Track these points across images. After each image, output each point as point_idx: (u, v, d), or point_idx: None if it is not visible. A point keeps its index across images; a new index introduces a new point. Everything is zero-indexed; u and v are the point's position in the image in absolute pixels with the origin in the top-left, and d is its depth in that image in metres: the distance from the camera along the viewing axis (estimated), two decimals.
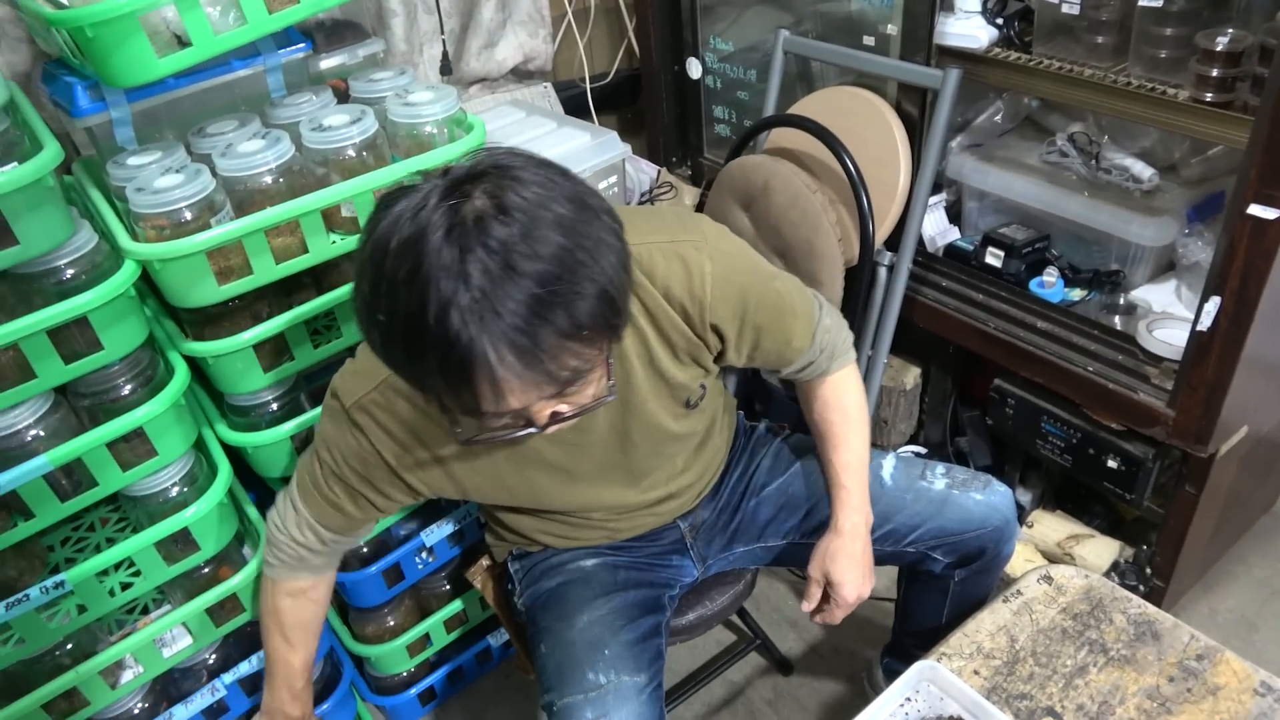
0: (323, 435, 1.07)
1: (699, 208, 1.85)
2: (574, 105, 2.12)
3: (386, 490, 1.08)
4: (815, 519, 1.29)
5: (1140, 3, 1.31)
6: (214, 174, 1.11)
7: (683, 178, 2.14)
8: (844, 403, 1.23)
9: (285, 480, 1.36)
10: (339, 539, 1.15)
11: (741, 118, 2.02)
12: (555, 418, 0.83)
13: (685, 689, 1.67)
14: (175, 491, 1.17)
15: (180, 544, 1.19)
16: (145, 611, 1.30)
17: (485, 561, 1.38)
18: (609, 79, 2.19)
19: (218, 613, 1.28)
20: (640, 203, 2.14)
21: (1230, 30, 1.24)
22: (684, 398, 1.11)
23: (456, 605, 1.58)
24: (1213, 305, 1.28)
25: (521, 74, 2.07)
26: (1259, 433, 1.55)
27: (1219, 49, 1.23)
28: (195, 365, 1.20)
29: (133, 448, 1.11)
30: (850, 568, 1.18)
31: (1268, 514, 1.97)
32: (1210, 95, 1.26)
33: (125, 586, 1.20)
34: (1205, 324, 1.29)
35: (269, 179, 1.12)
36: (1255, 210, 1.18)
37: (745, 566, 1.38)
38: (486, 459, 1.07)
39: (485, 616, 1.66)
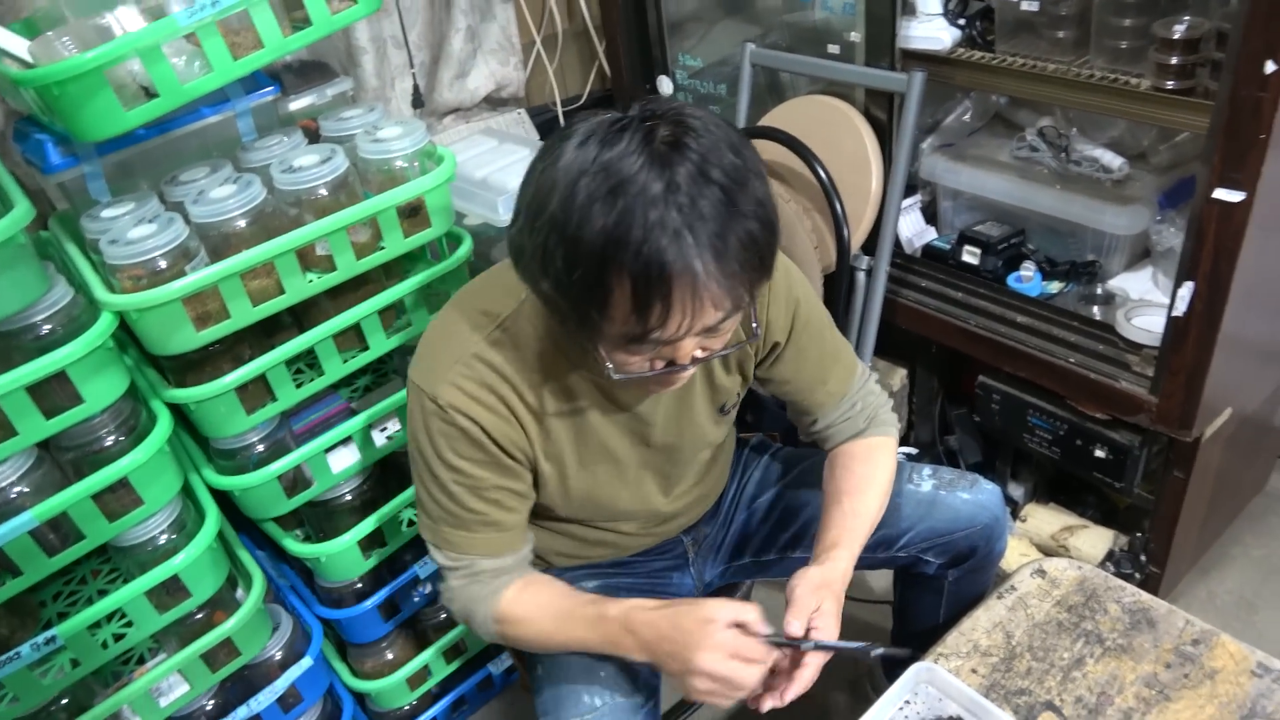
0: (436, 453, 0.97)
1: None
2: (549, 129, 2.13)
3: (511, 466, 1.00)
4: (810, 531, 1.29)
5: None
6: (187, 221, 1.12)
7: None
8: (874, 463, 1.15)
9: (276, 520, 1.36)
10: (514, 557, 1.05)
11: None
12: (693, 361, 0.86)
13: (684, 707, 1.66)
14: (164, 539, 1.17)
15: (171, 591, 1.18)
16: (140, 661, 1.29)
17: None
18: (582, 101, 2.20)
19: (213, 658, 1.27)
20: None
21: (1187, 18, 1.25)
22: (721, 402, 1.13)
23: (455, 634, 1.57)
24: (1187, 290, 1.28)
25: (495, 101, 2.08)
26: (1243, 414, 1.56)
27: (1176, 37, 1.24)
28: (179, 411, 1.20)
29: (119, 498, 1.11)
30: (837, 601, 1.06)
31: (1261, 494, 1.97)
32: (1171, 83, 1.27)
33: (118, 638, 1.19)
34: (1181, 309, 1.30)
35: (242, 223, 1.13)
36: (1221, 194, 1.19)
37: (740, 580, 1.38)
38: (559, 445, 1.03)
39: (485, 644, 1.66)
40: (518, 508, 1.04)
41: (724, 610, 0.93)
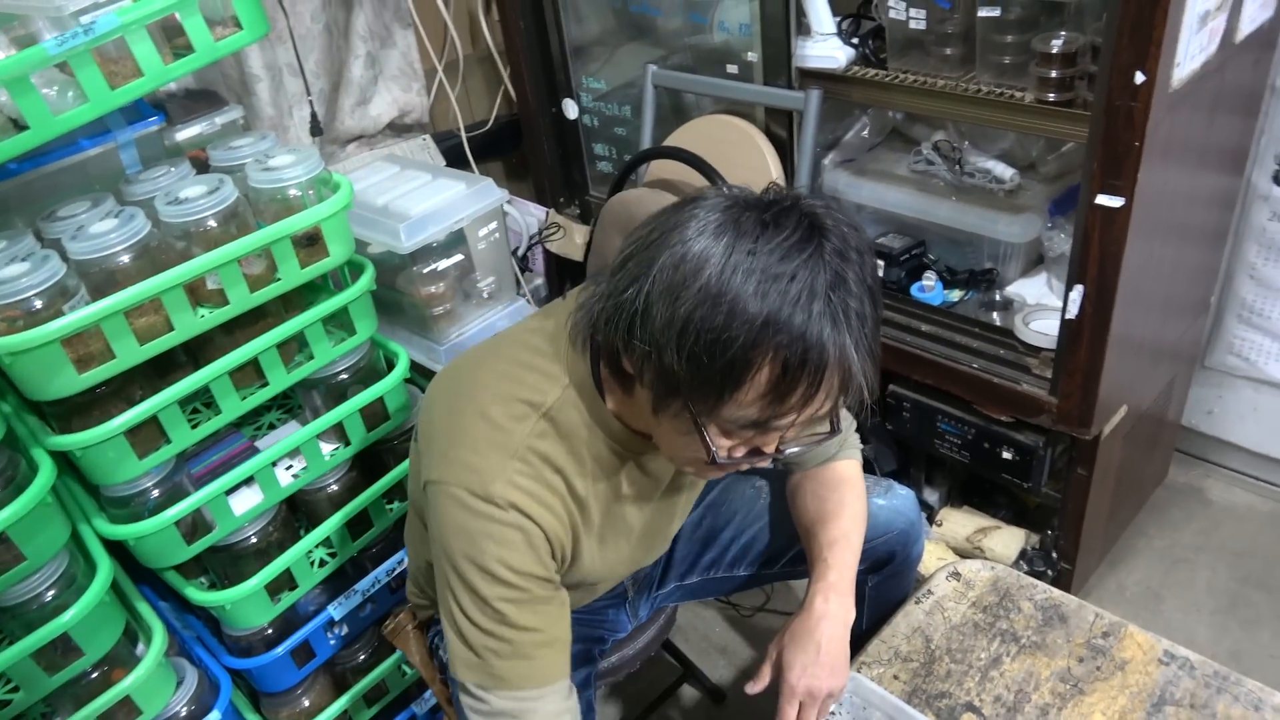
0: (480, 566, 0.87)
1: (589, 245, 1.86)
2: (455, 155, 2.11)
3: (554, 575, 0.93)
4: (734, 550, 1.29)
5: (980, 13, 1.37)
6: (65, 259, 1.07)
7: (571, 217, 2.15)
8: (844, 488, 1.15)
9: (177, 569, 1.30)
10: (568, 692, 0.95)
11: (621, 153, 2.04)
12: (774, 452, 0.86)
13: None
14: (50, 595, 1.10)
15: (62, 651, 1.11)
16: None
17: (407, 620, 1.33)
18: (489, 126, 2.19)
19: (112, 719, 1.20)
20: (529, 245, 2.13)
21: (1064, 33, 1.31)
22: None
23: (376, 675, 1.52)
24: (1077, 293, 1.33)
25: (399, 128, 2.05)
26: (1139, 410, 1.62)
27: (1055, 51, 1.30)
28: (66, 458, 1.14)
29: None
30: (804, 651, 1.04)
31: (1161, 487, 2.05)
32: (1052, 95, 1.32)
33: (3, 704, 1.12)
34: (1073, 312, 1.35)
35: (125, 258, 1.08)
36: (1103, 200, 1.24)
37: (665, 605, 1.37)
38: (594, 528, 0.98)
39: (407, 684, 1.61)
40: (564, 616, 0.95)
41: None
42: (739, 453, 0.85)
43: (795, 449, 0.88)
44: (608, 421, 0.93)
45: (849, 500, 1.14)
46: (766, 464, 0.88)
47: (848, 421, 1.19)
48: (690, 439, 0.83)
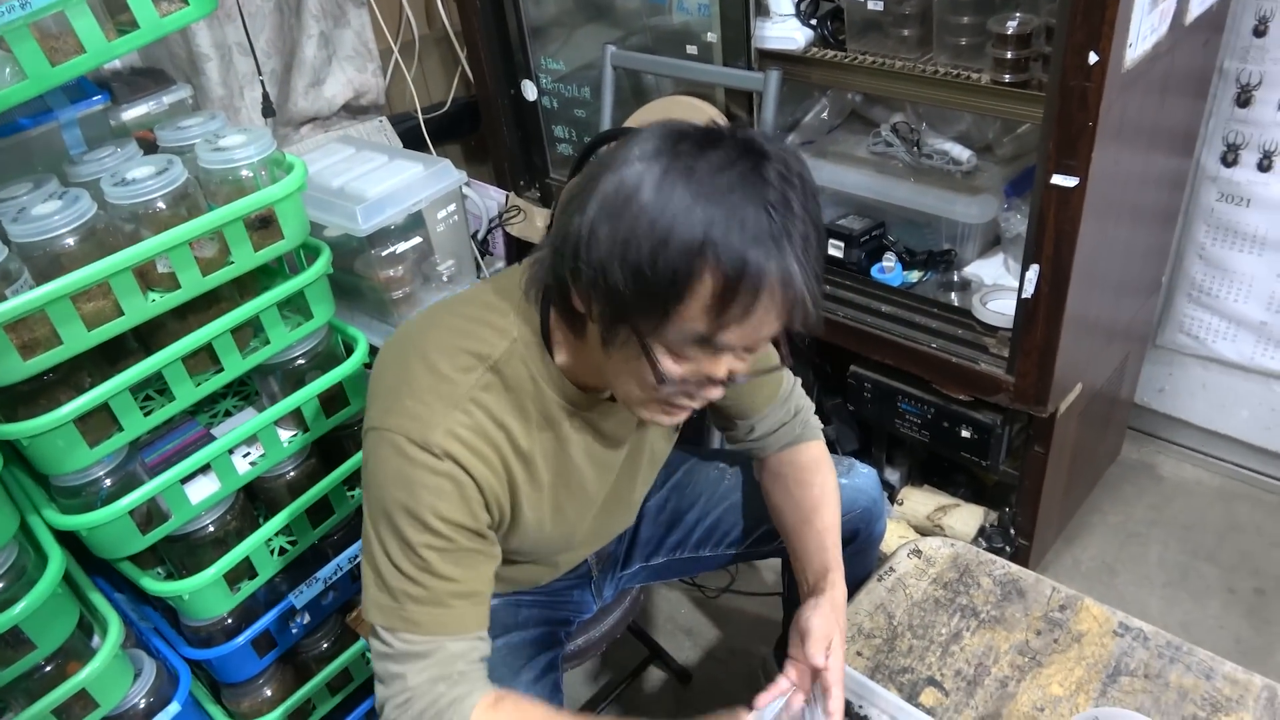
0: (410, 512, 0.87)
1: (549, 228, 1.84)
2: (413, 137, 2.08)
3: (486, 530, 0.93)
4: (699, 531, 1.30)
5: None
6: (6, 242, 1.03)
7: (532, 200, 2.13)
8: (823, 473, 1.17)
9: (132, 559, 1.27)
10: (482, 641, 0.94)
11: (582, 135, 2.03)
12: (725, 382, 0.86)
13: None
14: (0, 588, 1.07)
15: (13, 644, 1.08)
16: None
17: None
18: (446, 108, 2.16)
19: (68, 712, 1.17)
20: (489, 229, 2.11)
21: (1018, 14, 1.32)
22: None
23: (339, 663, 1.51)
24: (1033, 273, 1.35)
25: (355, 109, 2.01)
26: (1093, 388, 1.65)
27: (1010, 32, 1.31)
28: (12, 447, 1.11)
29: None
30: (840, 631, 1.05)
31: (1114, 464, 2.10)
32: (1008, 76, 1.34)
33: None
34: (1029, 291, 1.37)
35: (71, 240, 1.05)
36: (1058, 180, 1.26)
37: (630, 587, 1.37)
38: (541, 488, 0.98)
39: (370, 673, 1.59)
40: (488, 572, 0.95)
41: None
42: (690, 377, 0.85)
43: (745, 378, 0.88)
44: (555, 377, 0.94)
45: (830, 483, 1.17)
46: (719, 395, 0.87)
47: (805, 401, 1.21)
48: (640, 365, 0.83)
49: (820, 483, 1.16)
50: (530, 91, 2.03)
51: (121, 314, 1.09)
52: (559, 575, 1.22)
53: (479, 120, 2.16)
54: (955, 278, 1.66)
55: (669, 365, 0.83)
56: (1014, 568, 1.27)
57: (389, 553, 0.89)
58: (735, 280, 0.75)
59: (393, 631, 0.90)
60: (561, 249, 0.83)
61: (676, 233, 0.75)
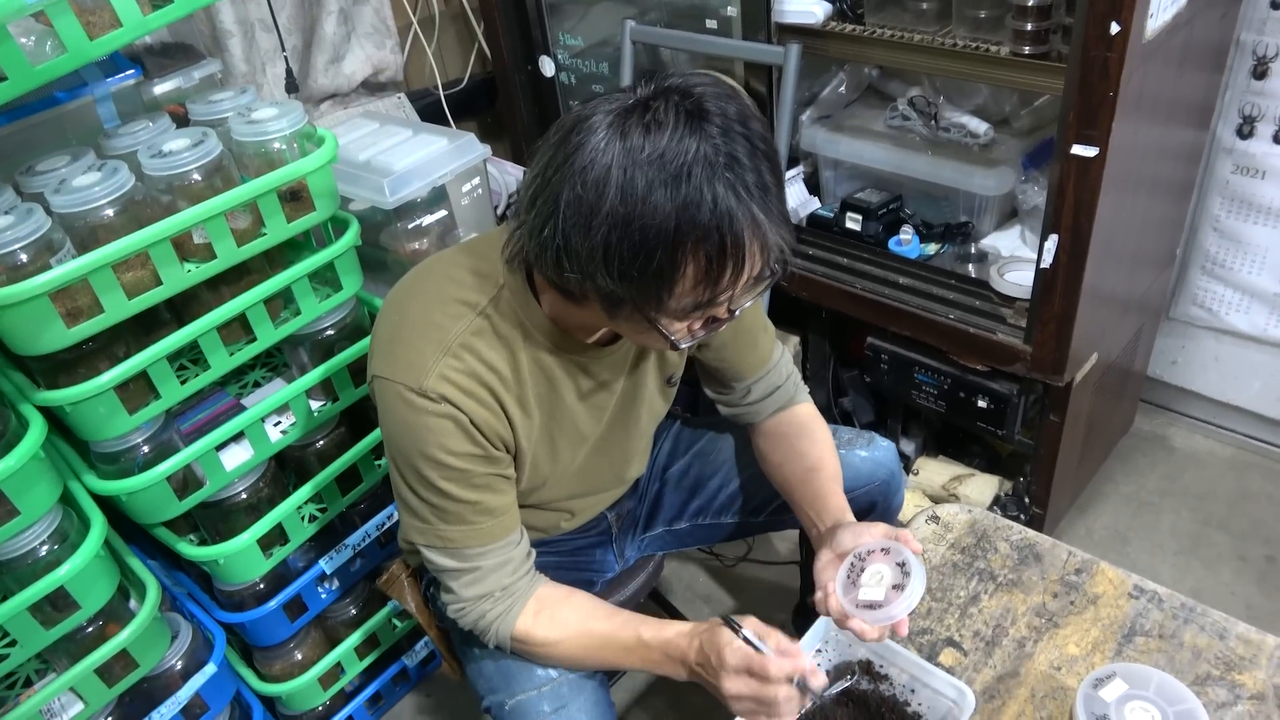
0: (421, 450, 0.94)
1: (512, 203, 1.86)
2: (430, 113, 2.09)
3: (497, 456, 0.99)
4: (721, 497, 1.32)
5: None
6: (49, 213, 1.06)
7: None
8: (821, 427, 1.23)
9: (168, 525, 1.30)
10: (515, 546, 1.03)
11: None
12: (718, 321, 0.90)
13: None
14: (45, 550, 1.10)
15: (57, 605, 1.12)
16: (28, 684, 1.22)
17: (400, 570, 1.35)
18: (463, 84, 2.17)
19: (109, 672, 1.21)
20: (509, 204, 2.13)
21: None
22: (670, 374, 1.15)
23: (367, 628, 1.54)
24: (1052, 243, 1.36)
25: (373, 86, 2.03)
26: (1108, 358, 1.67)
27: (1030, 4, 1.31)
28: (54, 415, 1.14)
29: None
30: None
31: (1127, 435, 2.11)
32: (1028, 48, 1.34)
33: (0, 659, 1.12)
34: (1047, 261, 1.38)
35: (110, 212, 1.07)
36: (1078, 150, 1.27)
37: (654, 552, 1.40)
38: (536, 428, 1.03)
39: (398, 637, 1.63)
40: (508, 490, 1.03)
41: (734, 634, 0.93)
42: (696, 327, 0.90)
43: (748, 302, 0.91)
44: (543, 323, 0.97)
45: (830, 439, 1.22)
46: (727, 324, 0.92)
47: (793, 366, 1.26)
48: (651, 332, 0.88)
49: (822, 437, 1.21)
50: (548, 67, 2.04)
51: (160, 283, 1.12)
52: (578, 527, 1.25)
53: (496, 97, 2.18)
54: (972, 250, 1.67)
55: (676, 327, 0.88)
56: (1030, 533, 1.29)
57: (413, 487, 0.98)
58: (718, 254, 0.79)
59: (433, 549, 1.00)
60: (541, 256, 0.86)
61: (651, 232, 0.78)
